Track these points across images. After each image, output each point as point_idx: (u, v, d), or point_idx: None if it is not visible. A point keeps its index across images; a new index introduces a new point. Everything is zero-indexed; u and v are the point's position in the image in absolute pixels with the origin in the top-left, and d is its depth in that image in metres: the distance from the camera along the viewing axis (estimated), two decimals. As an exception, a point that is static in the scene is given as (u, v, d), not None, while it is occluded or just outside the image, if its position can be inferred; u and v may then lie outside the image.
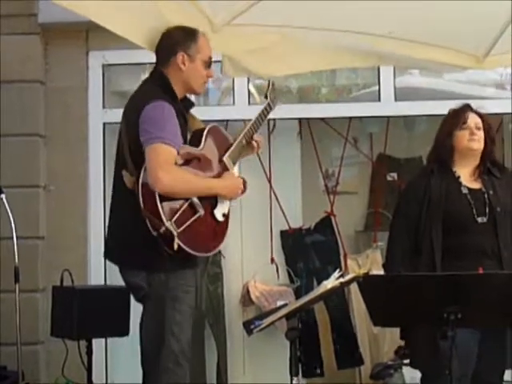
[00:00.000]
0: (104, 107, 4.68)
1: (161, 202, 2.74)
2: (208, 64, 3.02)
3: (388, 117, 4.92)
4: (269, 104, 3.27)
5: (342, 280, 2.67)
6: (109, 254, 3.03)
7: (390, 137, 5.16)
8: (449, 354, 2.61)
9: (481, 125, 3.35)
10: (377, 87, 4.73)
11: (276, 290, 4.71)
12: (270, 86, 3.31)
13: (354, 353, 4.74)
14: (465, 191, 3.31)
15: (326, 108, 4.90)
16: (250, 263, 4.83)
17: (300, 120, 4.97)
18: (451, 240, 3.22)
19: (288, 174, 4.99)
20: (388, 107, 4.72)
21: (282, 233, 4.93)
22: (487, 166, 3.37)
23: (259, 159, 4.77)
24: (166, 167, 2.76)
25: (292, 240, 4.93)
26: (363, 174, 5.36)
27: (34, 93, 4.59)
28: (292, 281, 4.85)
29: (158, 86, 2.96)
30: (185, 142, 2.94)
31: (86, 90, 4.66)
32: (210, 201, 2.91)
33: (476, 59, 3.82)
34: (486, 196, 3.29)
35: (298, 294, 4.65)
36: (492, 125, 3.42)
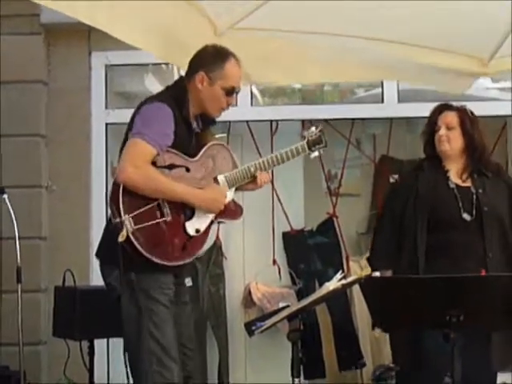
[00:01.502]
0: (107, 108, 4.68)
1: (124, 195, 2.72)
2: (229, 92, 2.95)
3: (391, 118, 4.91)
4: (302, 146, 3.06)
5: (343, 282, 2.66)
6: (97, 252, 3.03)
7: (393, 138, 5.15)
8: (451, 356, 2.61)
9: (453, 123, 3.30)
10: (380, 89, 4.72)
11: (278, 291, 4.71)
12: (316, 132, 3.07)
13: (355, 354, 4.73)
14: (452, 186, 3.29)
15: (329, 109, 4.89)
16: (251, 265, 4.82)
17: (303, 121, 4.96)
18: (436, 236, 3.20)
19: (290, 176, 4.98)
20: (391, 109, 4.71)
21: (284, 234, 4.92)
22: (477, 165, 3.33)
23: (262, 160, 4.77)
24: (136, 161, 2.75)
25: (294, 242, 4.92)
26: (366, 175, 5.35)
27: (37, 93, 4.59)
28: (294, 282, 4.85)
29: (170, 91, 2.95)
30: (186, 153, 2.90)
31: (89, 91, 4.66)
32: (185, 212, 2.85)
33: (481, 62, 3.81)
34: (474, 195, 3.26)
35: (299, 296, 4.64)
36: (474, 120, 3.34)
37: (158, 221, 2.77)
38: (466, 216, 3.22)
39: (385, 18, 3.39)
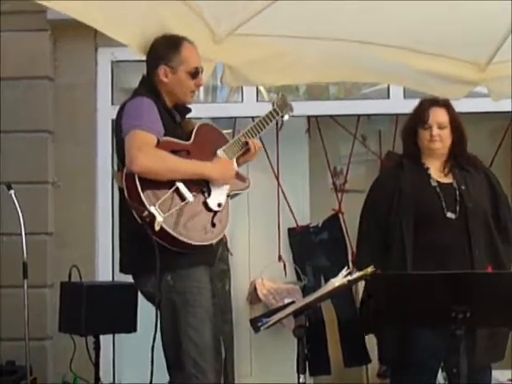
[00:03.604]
0: (113, 104, 4.68)
1: (143, 188, 2.74)
2: (194, 74, 3.00)
3: (397, 114, 4.89)
4: (275, 110, 3.28)
5: (349, 278, 2.66)
6: (121, 267, 3.03)
7: (399, 134, 5.13)
8: (457, 353, 2.60)
9: (445, 123, 3.28)
10: (386, 84, 4.71)
11: (283, 287, 4.71)
12: (280, 97, 3.33)
13: (361, 351, 4.72)
14: (434, 184, 3.26)
15: (335, 105, 4.88)
16: (257, 261, 4.82)
17: (308, 117, 4.96)
18: (421, 236, 3.18)
19: (296, 172, 4.98)
20: (397, 105, 4.70)
21: (290, 230, 4.92)
22: (458, 160, 3.31)
23: (267, 157, 4.76)
24: (143, 148, 2.76)
25: (300, 238, 4.92)
26: (372, 171, 5.32)
27: (43, 89, 4.59)
28: (299, 278, 4.84)
29: (142, 88, 3.00)
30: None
31: (95, 87, 4.67)
32: (202, 190, 2.89)
33: (478, 68, 3.80)
34: (457, 191, 3.24)
35: (305, 292, 4.64)
36: (458, 115, 3.34)
37: (183, 204, 2.79)
38: (450, 214, 3.20)
39: (381, 23, 3.39)
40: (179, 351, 2.83)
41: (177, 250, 2.78)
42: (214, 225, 2.89)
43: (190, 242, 2.79)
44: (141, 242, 2.76)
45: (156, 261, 2.70)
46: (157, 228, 2.70)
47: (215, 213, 2.90)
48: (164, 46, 2.99)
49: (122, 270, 3.04)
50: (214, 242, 2.93)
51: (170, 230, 2.73)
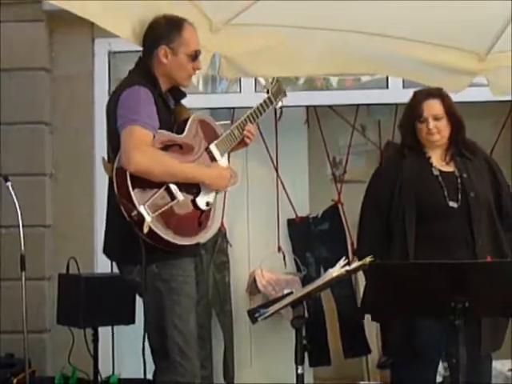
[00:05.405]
0: (110, 94, 4.65)
1: (133, 186, 2.70)
2: (193, 57, 2.96)
3: (396, 104, 4.87)
4: (269, 98, 3.23)
5: (348, 268, 2.65)
6: (106, 250, 3.02)
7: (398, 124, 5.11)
8: (456, 343, 2.59)
9: (440, 114, 3.24)
10: (385, 74, 4.68)
11: (283, 278, 4.70)
12: (274, 82, 3.28)
13: (360, 342, 4.72)
14: (436, 173, 3.24)
15: (334, 95, 4.86)
16: (256, 252, 4.81)
17: (307, 107, 4.94)
18: (423, 226, 3.15)
19: (295, 162, 4.96)
20: (396, 94, 4.67)
21: (289, 221, 4.91)
22: (458, 147, 3.29)
23: (266, 147, 4.74)
24: (141, 147, 2.72)
25: (299, 228, 4.91)
26: (371, 161, 5.31)
27: (40, 80, 4.57)
28: (299, 269, 4.84)
29: (138, 74, 2.94)
30: (168, 131, 2.89)
31: (92, 78, 4.65)
32: (192, 189, 2.86)
33: (478, 57, 3.78)
34: (458, 180, 3.22)
35: (305, 283, 4.63)
36: (453, 103, 3.30)
37: (172, 203, 2.77)
38: (452, 204, 3.17)
39: (380, 13, 3.37)
40: (164, 339, 2.82)
41: (163, 247, 2.77)
42: (201, 224, 2.86)
43: (176, 242, 2.77)
44: (127, 234, 2.74)
45: (142, 256, 2.69)
46: (145, 230, 2.68)
47: (203, 212, 2.88)
48: (165, 26, 2.93)
49: (105, 253, 3.02)
50: (201, 241, 2.92)
51: (158, 232, 2.71)
